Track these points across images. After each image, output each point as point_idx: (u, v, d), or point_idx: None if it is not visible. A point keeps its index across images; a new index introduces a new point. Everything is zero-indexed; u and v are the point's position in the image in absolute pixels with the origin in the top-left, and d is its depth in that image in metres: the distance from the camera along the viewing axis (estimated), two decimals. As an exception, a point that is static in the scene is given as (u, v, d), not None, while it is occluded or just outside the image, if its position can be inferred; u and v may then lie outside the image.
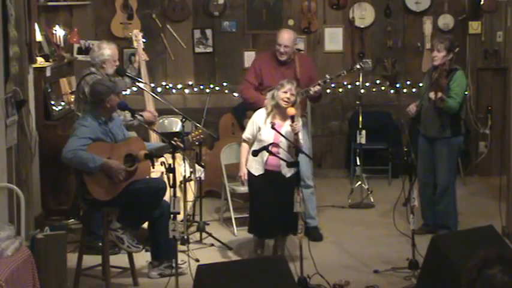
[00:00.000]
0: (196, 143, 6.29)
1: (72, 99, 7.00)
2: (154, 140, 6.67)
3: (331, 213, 7.54)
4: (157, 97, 6.62)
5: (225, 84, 8.86)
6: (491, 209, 7.05)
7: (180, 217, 6.02)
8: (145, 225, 5.88)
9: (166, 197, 5.65)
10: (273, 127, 5.78)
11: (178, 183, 5.64)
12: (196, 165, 6.79)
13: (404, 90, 8.91)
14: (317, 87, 6.55)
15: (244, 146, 6.03)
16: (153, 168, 5.68)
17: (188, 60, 8.89)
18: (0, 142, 5.40)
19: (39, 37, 7.29)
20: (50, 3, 8.06)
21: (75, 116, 6.37)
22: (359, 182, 7.92)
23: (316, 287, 5.54)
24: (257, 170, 5.92)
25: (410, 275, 5.69)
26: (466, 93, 6.94)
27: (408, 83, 8.93)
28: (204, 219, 6.90)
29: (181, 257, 5.64)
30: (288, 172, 5.87)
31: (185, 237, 6.27)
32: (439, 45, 6.48)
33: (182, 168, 6.64)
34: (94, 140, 5.43)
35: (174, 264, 5.37)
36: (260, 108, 6.12)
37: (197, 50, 8.87)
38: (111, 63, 6.43)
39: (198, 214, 6.98)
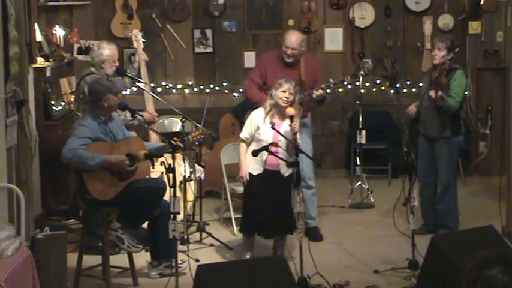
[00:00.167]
0: (196, 143, 6.29)
1: (72, 99, 7.00)
2: (154, 140, 6.67)
3: (331, 213, 7.54)
4: (157, 97, 6.62)
5: (225, 84, 8.87)
6: (491, 209, 7.05)
7: (180, 217, 6.03)
8: (145, 225, 5.89)
9: (166, 197, 5.64)
10: (273, 127, 5.78)
11: (178, 183, 5.64)
12: (196, 165, 6.79)
13: (404, 90, 8.91)
14: (320, 91, 6.54)
15: (243, 146, 6.00)
16: (153, 168, 5.68)
17: (188, 60, 8.89)
18: (0, 142, 5.40)
19: (39, 37, 7.29)
20: (50, 3, 8.06)
21: (75, 116, 6.37)
22: (359, 182, 7.92)
23: (316, 287, 5.54)
24: (256, 170, 5.90)
25: (410, 275, 5.69)
26: (466, 92, 6.94)
27: (408, 83, 8.93)
28: (204, 219, 6.90)
29: (181, 257, 5.64)
30: (286, 171, 5.88)
31: (185, 237, 6.27)
32: (440, 44, 6.47)
33: (182, 168, 6.64)
34: (94, 140, 5.43)
35: (173, 264, 5.37)
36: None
37: (197, 50, 8.87)
38: (110, 63, 6.43)
39: (198, 214, 6.98)
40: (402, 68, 8.98)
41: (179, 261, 5.48)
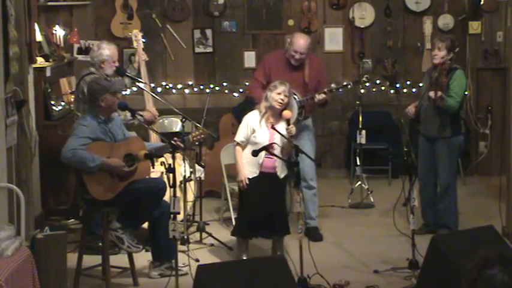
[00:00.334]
0: (196, 143, 6.29)
1: (72, 99, 7.00)
2: (154, 140, 6.67)
3: (331, 213, 7.54)
4: (157, 97, 6.62)
5: (225, 84, 8.87)
6: (491, 209, 7.05)
7: (180, 217, 6.03)
8: (146, 225, 5.89)
9: (166, 197, 5.65)
10: (273, 127, 5.78)
11: (178, 183, 5.64)
12: (196, 165, 6.79)
13: (404, 90, 8.91)
14: (322, 96, 6.53)
15: (239, 149, 5.94)
16: (153, 168, 5.68)
17: (188, 60, 8.89)
18: (0, 142, 5.40)
19: (39, 37, 7.29)
20: (50, 3, 8.07)
21: (74, 116, 6.37)
22: (359, 182, 7.92)
23: (316, 287, 5.54)
24: (251, 173, 5.87)
25: (410, 275, 5.69)
26: (466, 92, 6.95)
27: (408, 83, 8.93)
28: (204, 219, 6.90)
29: (181, 256, 5.63)
30: (282, 173, 5.89)
31: (185, 237, 6.28)
32: (440, 44, 6.47)
33: (182, 168, 6.64)
34: (93, 140, 5.43)
35: (174, 266, 5.37)
36: None
37: (197, 50, 8.87)
38: (110, 63, 6.43)
39: (198, 214, 6.98)
40: (402, 68, 8.98)
41: (181, 264, 5.48)
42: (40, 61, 7.05)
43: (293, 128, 5.81)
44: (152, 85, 8.07)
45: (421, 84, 7.19)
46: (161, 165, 5.83)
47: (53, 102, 7.10)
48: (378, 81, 8.93)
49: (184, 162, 6.67)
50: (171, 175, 5.19)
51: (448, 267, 4.69)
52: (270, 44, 8.86)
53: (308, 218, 6.67)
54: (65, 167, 6.04)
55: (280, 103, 5.82)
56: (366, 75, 7.43)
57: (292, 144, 5.74)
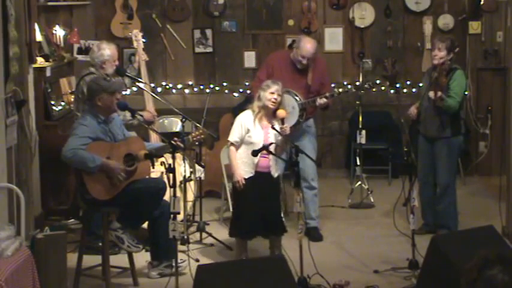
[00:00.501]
0: (197, 143, 6.29)
1: (72, 99, 7.00)
2: (154, 140, 6.67)
3: (331, 213, 7.54)
4: (157, 97, 6.62)
5: (225, 84, 8.87)
6: (491, 209, 7.05)
7: (180, 217, 6.03)
8: (146, 225, 5.89)
9: (166, 197, 5.64)
10: (273, 127, 5.78)
11: (178, 183, 5.64)
12: (196, 165, 6.79)
13: (404, 90, 8.91)
14: (323, 100, 6.51)
15: (233, 150, 5.92)
16: (153, 168, 5.68)
17: (188, 60, 8.89)
18: (0, 142, 5.40)
19: (39, 37, 7.29)
20: (50, 3, 8.07)
21: (74, 116, 6.37)
22: (359, 182, 7.92)
23: (316, 287, 5.54)
24: (247, 173, 5.87)
25: (410, 275, 5.69)
26: (465, 92, 6.95)
27: (408, 83, 8.93)
28: (204, 219, 6.90)
29: (181, 257, 5.64)
30: (276, 172, 5.91)
31: (185, 237, 6.27)
32: (440, 44, 6.47)
33: (182, 168, 6.64)
34: (94, 139, 5.43)
35: (174, 264, 5.37)
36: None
37: (197, 50, 8.87)
38: (111, 63, 6.44)
39: (198, 214, 6.98)
40: (402, 68, 8.98)
41: (179, 261, 5.48)
42: (40, 61, 7.05)
43: (287, 128, 5.82)
44: (152, 85, 8.06)
45: (421, 84, 7.19)
46: (161, 165, 5.83)
47: (53, 102, 7.10)
48: (378, 81, 8.92)
49: (184, 162, 6.67)
50: (171, 175, 5.18)
51: (448, 267, 4.69)
52: (270, 44, 8.86)
53: (308, 218, 6.67)
54: (65, 167, 6.04)
55: (274, 102, 5.82)
56: (368, 82, 7.42)
57: (292, 144, 5.75)
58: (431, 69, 6.67)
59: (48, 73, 7.04)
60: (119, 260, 5.91)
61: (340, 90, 7.00)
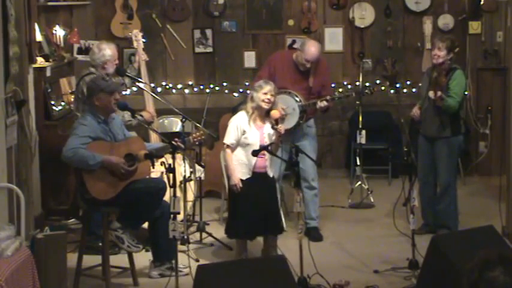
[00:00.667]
0: (197, 144, 6.29)
1: (72, 99, 7.00)
2: (155, 140, 6.67)
3: (331, 213, 7.54)
4: (157, 97, 6.62)
5: (225, 84, 8.87)
6: (491, 209, 7.05)
7: (180, 217, 6.02)
8: (146, 225, 5.88)
9: (166, 197, 5.64)
10: (273, 127, 5.79)
11: (178, 183, 5.64)
12: (196, 165, 6.79)
13: (404, 90, 8.91)
14: (324, 103, 6.50)
15: (230, 152, 5.90)
16: (153, 168, 5.67)
17: (188, 60, 8.89)
18: (0, 142, 5.40)
19: (39, 37, 7.29)
20: (50, 3, 8.07)
21: (74, 116, 6.37)
22: (359, 182, 7.92)
23: (316, 287, 5.54)
24: (244, 174, 5.87)
25: (410, 275, 5.69)
26: (465, 92, 6.95)
27: (408, 83, 8.93)
28: (204, 219, 6.90)
29: (181, 257, 5.63)
30: (271, 172, 5.94)
31: (185, 237, 6.27)
32: (441, 44, 6.47)
33: (182, 168, 6.64)
34: (94, 139, 5.43)
35: (174, 266, 5.37)
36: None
37: (197, 50, 8.87)
38: (112, 63, 6.45)
39: (198, 214, 6.98)
40: (402, 68, 8.98)
41: (181, 265, 5.48)
42: (40, 61, 7.05)
43: (282, 128, 5.82)
44: (152, 85, 8.06)
45: (420, 84, 7.19)
46: (161, 165, 5.82)
47: (53, 102, 7.10)
48: (378, 81, 8.92)
49: (184, 162, 6.67)
50: (171, 175, 5.19)
51: (448, 267, 4.70)
52: (270, 44, 8.86)
53: (308, 218, 6.67)
54: (65, 167, 6.04)
55: (267, 103, 5.82)
56: (369, 87, 7.43)
57: (292, 144, 5.76)
58: (430, 69, 6.67)
59: (48, 73, 7.04)
60: (119, 260, 5.91)
61: (341, 94, 6.98)
